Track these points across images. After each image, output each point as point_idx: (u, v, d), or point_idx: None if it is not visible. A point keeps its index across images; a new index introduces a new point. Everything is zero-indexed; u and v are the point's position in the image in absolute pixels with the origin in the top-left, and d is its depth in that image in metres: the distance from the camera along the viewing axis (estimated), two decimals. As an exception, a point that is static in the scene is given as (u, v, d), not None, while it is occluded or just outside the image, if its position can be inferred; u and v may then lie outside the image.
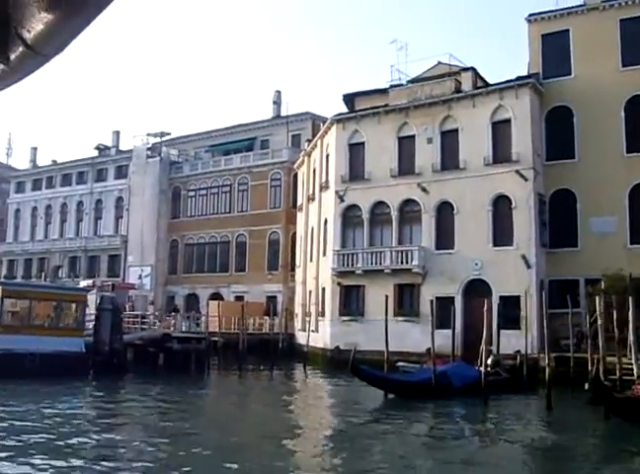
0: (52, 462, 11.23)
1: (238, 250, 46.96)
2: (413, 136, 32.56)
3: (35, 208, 59.87)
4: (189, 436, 14.55)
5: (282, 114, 52.35)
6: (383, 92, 35.09)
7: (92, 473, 10.77)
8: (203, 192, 49.52)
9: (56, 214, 58.11)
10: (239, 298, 44.85)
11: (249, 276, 45.74)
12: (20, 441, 12.99)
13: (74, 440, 13.42)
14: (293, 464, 12.28)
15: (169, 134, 53.85)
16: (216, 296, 45.66)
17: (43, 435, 13.78)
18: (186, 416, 18.00)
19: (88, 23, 1.27)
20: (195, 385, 26.60)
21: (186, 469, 11.40)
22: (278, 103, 53.72)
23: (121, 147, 56.51)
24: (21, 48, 1.37)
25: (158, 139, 53.04)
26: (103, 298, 30.50)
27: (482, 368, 20.91)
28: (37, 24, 1.25)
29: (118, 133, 56.98)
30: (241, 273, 46.35)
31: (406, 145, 32.71)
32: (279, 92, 54.57)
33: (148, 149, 51.83)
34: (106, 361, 27.11)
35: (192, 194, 50.13)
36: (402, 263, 31.24)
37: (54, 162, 60.14)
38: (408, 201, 32.30)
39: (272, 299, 44.56)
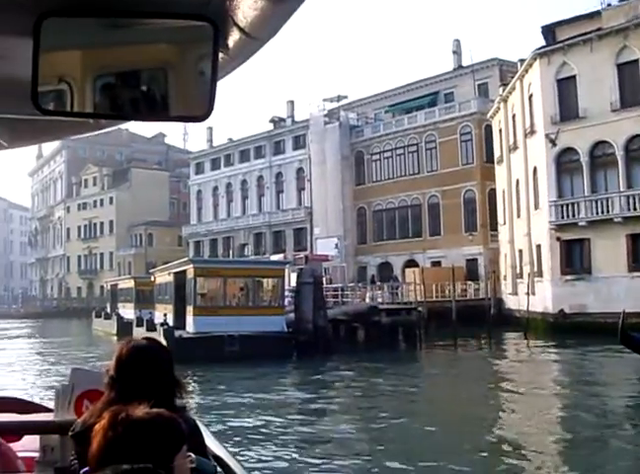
0: (266, 452, 11.30)
1: (431, 212, 47.15)
2: (636, 61, 30.53)
3: (215, 188, 64.07)
4: (429, 429, 12.90)
5: (465, 63, 51.54)
6: (591, 16, 33.27)
7: (309, 464, 10.68)
8: (388, 154, 50.13)
9: (237, 192, 61.79)
10: (435, 264, 45.14)
11: (445, 239, 45.77)
12: (231, 430, 12.89)
13: (292, 429, 13.42)
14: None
15: (346, 98, 55.13)
16: (411, 263, 46.23)
17: (254, 424, 13.81)
18: (416, 401, 17.01)
19: (298, 5, 1.41)
20: (410, 362, 25.55)
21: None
22: (458, 52, 53.01)
23: (297, 117, 58.63)
24: (238, 36, 1.52)
25: (335, 104, 54.44)
26: (303, 271, 29.78)
27: None
28: (252, 11, 1.39)
29: (292, 103, 59.19)
30: (436, 236, 46.52)
31: (628, 72, 30.79)
32: (458, 41, 53.80)
33: (325, 115, 53.37)
34: (310, 341, 26.05)
35: (376, 157, 50.96)
36: (636, 209, 29.52)
37: (230, 140, 63.76)
38: (635, 138, 30.43)
39: (471, 263, 44.30)
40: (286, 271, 31.09)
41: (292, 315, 27.62)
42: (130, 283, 46.47)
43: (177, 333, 25.13)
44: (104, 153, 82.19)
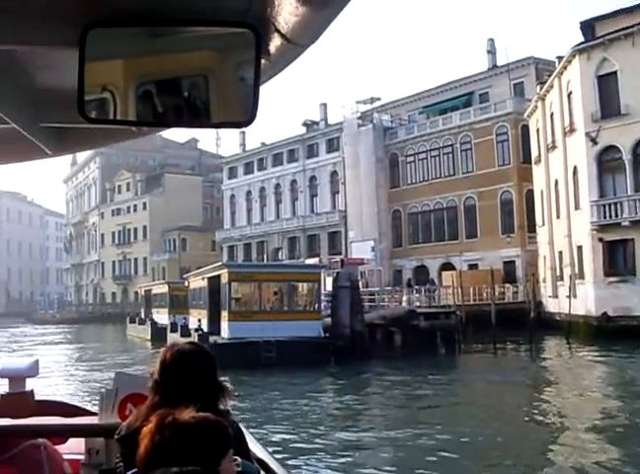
0: (305, 458, 11.34)
1: (467, 214, 46.85)
2: (681, 56, 29.92)
3: (249, 192, 64.49)
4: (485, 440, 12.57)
5: (499, 63, 51.18)
6: (631, 10, 32.87)
7: (348, 470, 10.72)
8: (423, 155, 49.95)
9: (271, 196, 62.09)
10: (472, 266, 44.80)
11: (481, 241, 45.41)
12: (269, 437, 12.76)
13: (331, 435, 13.41)
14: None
15: (379, 99, 55.12)
16: (447, 266, 45.96)
17: (292, 430, 13.77)
18: (457, 408, 16.52)
19: (339, 11, 1.42)
20: (449, 368, 25.35)
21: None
22: (492, 52, 52.63)
23: (330, 120, 58.81)
24: (279, 42, 1.54)
25: (368, 106, 54.47)
26: (340, 274, 29.55)
27: None
28: (293, 17, 1.41)
29: (325, 106, 59.38)
30: (472, 239, 46.20)
31: (673, 67, 30.15)
32: (492, 40, 53.40)
33: (359, 118, 53.38)
34: (347, 346, 25.82)
35: (410, 159, 50.81)
36: (681, 208, 28.98)
37: (263, 144, 64.13)
38: (681, 134, 29.86)
39: (509, 265, 43.88)
40: (322, 275, 31.00)
41: (329, 320, 27.47)
42: (164, 289, 46.95)
43: (212, 339, 25.12)
44: (137, 159, 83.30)
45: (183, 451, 1.43)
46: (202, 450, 1.45)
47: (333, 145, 56.08)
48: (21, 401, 3.34)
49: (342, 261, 41.32)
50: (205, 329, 28.12)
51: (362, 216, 51.10)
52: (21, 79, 1.92)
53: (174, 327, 34.31)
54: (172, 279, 52.85)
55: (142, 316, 50.56)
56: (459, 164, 47.66)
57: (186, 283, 39.91)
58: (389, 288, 42.73)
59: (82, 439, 2.69)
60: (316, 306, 27.65)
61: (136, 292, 65.76)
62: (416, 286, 42.23)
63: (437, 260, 47.92)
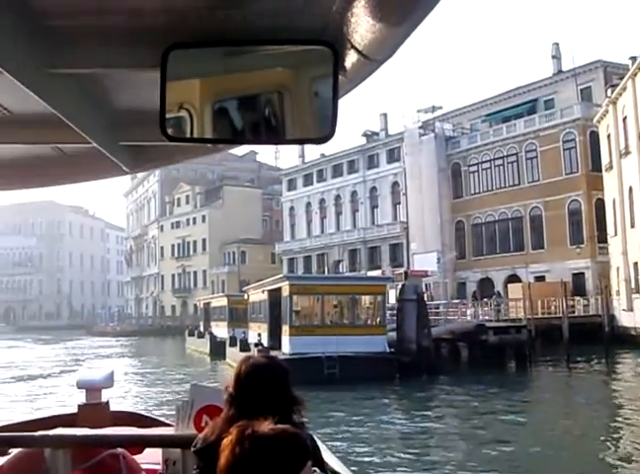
0: None
1: (533, 225, 46.11)
2: None
3: (308, 204, 64.88)
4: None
5: (565, 68, 50.25)
6: None
7: None
8: (486, 165, 49.42)
9: (331, 207, 62.32)
10: (539, 279, 43.96)
11: (548, 252, 44.55)
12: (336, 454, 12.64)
13: (397, 454, 13.13)
14: None
15: (440, 108, 54.80)
16: (513, 279, 45.32)
17: (357, 448, 13.60)
18: (529, 429, 15.77)
19: (415, 27, 1.45)
20: (521, 385, 24.10)
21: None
22: (557, 57, 51.81)
23: (390, 130, 58.71)
24: (356, 58, 1.58)
25: (429, 115, 54.24)
26: (405, 287, 28.75)
27: None
28: (369, 34, 1.45)
29: (385, 116, 59.35)
30: (539, 250, 45.45)
31: None
32: (557, 45, 52.57)
33: (420, 127, 53.15)
34: (413, 362, 25.06)
35: (473, 168, 50.32)
36: None
37: (322, 155, 64.47)
38: None
39: (578, 277, 42.88)
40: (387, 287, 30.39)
41: (393, 334, 26.88)
42: (223, 302, 47.35)
43: (272, 354, 25.09)
44: (196, 172, 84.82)
45: (263, 463, 1.47)
46: (282, 462, 1.49)
47: (394, 155, 55.96)
48: (97, 411, 3.50)
49: (405, 273, 40.65)
50: (265, 344, 27.98)
51: (425, 228, 50.76)
52: (101, 100, 2.03)
53: (233, 341, 34.34)
54: (231, 292, 53.41)
55: (201, 329, 51.19)
56: (524, 173, 46.95)
57: (245, 296, 40.09)
58: (457, 301, 42.17)
59: (158, 450, 2.78)
60: (381, 320, 27.03)
61: (195, 305, 66.80)
62: (485, 299, 41.37)
63: (501, 272, 47.19)
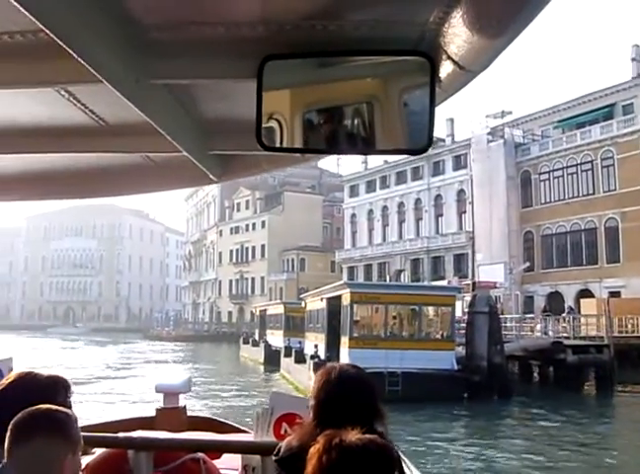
0: None
1: (608, 237, 44.91)
2: None
3: (370, 211, 64.77)
4: None
5: (647, 70, 48.81)
6: None
7: None
8: (558, 173, 48.44)
9: (393, 215, 62.07)
10: (614, 294, 42.64)
11: (625, 266, 43.27)
12: None
13: None
14: None
15: (510, 113, 53.99)
16: (585, 293, 44.23)
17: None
18: (616, 462, 14.79)
19: (513, 39, 1.45)
20: (604, 411, 22.77)
21: None
22: (637, 59, 50.22)
23: (457, 136, 58.11)
24: (451, 69, 1.60)
25: (498, 121, 53.57)
26: (476, 298, 27.62)
27: None
28: (467, 45, 1.46)
29: (451, 121, 58.75)
30: (614, 264, 44.19)
31: None
32: (637, 46, 50.97)
33: (488, 133, 52.46)
34: (483, 381, 23.94)
35: (544, 177, 49.39)
36: None
37: (386, 161, 64.28)
38: None
39: (658, 294, 41.38)
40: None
41: (460, 349, 26.20)
42: (280, 309, 47.43)
43: None
44: (257, 177, 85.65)
45: (349, 473, 1.52)
46: (369, 473, 1.53)
47: (460, 162, 55.38)
48: (175, 416, 3.66)
49: (473, 284, 39.81)
50: (322, 356, 27.15)
51: (492, 238, 50.01)
52: (193, 110, 2.13)
53: (288, 351, 34.01)
54: (289, 300, 53.54)
55: (256, 337, 51.44)
56: (600, 181, 45.76)
57: (302, 304, 40.00)
58: (531, 316, 41.19)
59: (236, 456, 2.87)
60: (450, 334, 25.97)
61: (252, 312, 67.36)
62: (562, 315, 39.92)
63: (572, 286, 46.07)
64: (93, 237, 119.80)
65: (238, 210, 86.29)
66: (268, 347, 43.23)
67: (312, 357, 26.70)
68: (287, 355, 33.43)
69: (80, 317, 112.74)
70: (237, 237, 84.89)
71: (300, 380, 26.77)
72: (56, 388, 2.09)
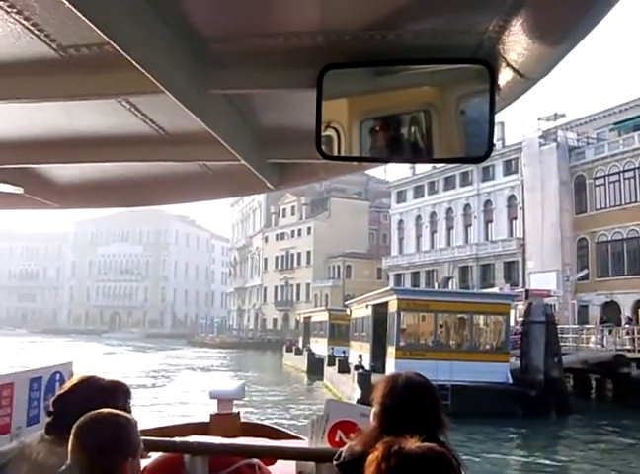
0: None
1: (667, 244, 43.78)
2: None
3: (418, 217, 64.44)
4: None
5: None
6: None
7: None
8: (615, 177, 47.44)
9: (442, 221, 61.64)
10: (674, 305, 41.63)
11: (687, 276, 42.16)
12: None
13: None
14: None
15: (563, 116, 53.20)
16: (643, 304, 43.08)
17: None
18: None
19: (574, 46, 1.45)
20: None
21: None
22: (698, 59, 49.07)
23: (507, 140, 57.41)
24: (510, 76, 1.62)
25: (551, 124, 52.80)
26: (532, 306, 26.46)
27: None
28: (527, 52, 1.48)
29: (502, 124, 58.11)
30: (675, 273, 43.07)
31: None
32: (698, 46, 49.83)
33: (541, 137, 51.74)
34: (540, 396, 23.11)
35: (599, 182, 48.42)
36: None
37: (434, 166, 63.85)
38: None
39: None
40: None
41: (514, 361, 25.40)
42: (324, 316, 47.40)
43: (374, 378, 23.06)
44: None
45: None
46: None
47: (511, 167, 54.70)
48: (229, 421, 3.77)
49: (527, 292, 39.01)
50: (367, 366, 26.53)
51: (543, 245, 49.24)
52: (251, 119, 2.19)
53: (331, 360, 33.52)
54: (334, 307, 53.48)
55: (300, 345, 51.42)
56: (658, 186, 44.80)
57: (347, 312, 39.81)
58: (591, 326, 40.35)
59: (290, 462, 2.93)
60: (504, 345, 25.10)
61: (297, 319, 67.56)
62: (626, 326, 38.67)
63: (630, 296, 45.00)
64: (139, 243, 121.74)
65: (284, 216, 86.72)
66: (311, 355, 43.20)
67: (356, 368, 26.18)
68: (331, 364, 33.06)
69: (126, 322, 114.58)
70: (282, 243, 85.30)
71: (343, 391, 26.33)
72: (117, 393, 2.17)
